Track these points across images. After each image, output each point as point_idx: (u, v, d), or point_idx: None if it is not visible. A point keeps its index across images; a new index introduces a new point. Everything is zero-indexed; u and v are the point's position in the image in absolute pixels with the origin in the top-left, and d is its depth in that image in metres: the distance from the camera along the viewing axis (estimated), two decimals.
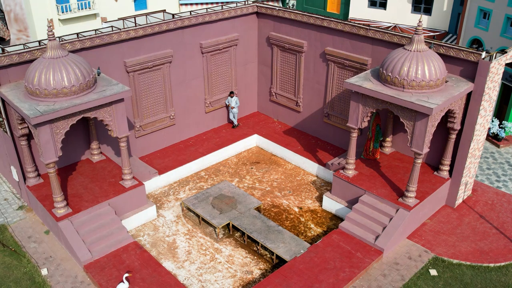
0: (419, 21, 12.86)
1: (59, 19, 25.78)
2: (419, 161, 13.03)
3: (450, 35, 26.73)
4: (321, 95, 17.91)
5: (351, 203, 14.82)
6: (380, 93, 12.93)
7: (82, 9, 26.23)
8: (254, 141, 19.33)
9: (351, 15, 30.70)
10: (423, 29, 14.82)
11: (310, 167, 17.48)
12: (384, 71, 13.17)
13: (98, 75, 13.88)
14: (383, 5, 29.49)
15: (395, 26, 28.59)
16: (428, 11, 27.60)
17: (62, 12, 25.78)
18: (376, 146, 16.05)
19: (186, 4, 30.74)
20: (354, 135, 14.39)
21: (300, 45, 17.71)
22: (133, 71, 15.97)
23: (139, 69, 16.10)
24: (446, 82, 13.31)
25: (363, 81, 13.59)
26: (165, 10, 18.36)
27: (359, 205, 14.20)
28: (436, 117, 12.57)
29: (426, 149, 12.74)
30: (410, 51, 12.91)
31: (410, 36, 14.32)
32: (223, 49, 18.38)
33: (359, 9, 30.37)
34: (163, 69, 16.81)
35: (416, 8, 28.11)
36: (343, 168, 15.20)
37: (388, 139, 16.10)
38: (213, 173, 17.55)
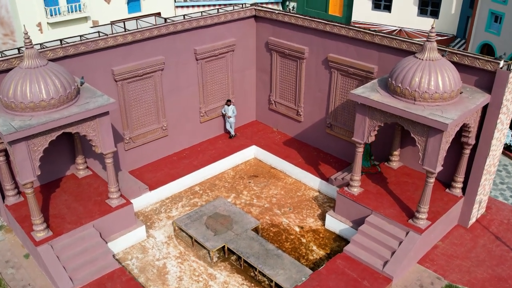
0: (432, 27, 11.75)
1: (48, 23, 24.71)
2: (432, 180, 11.91)
3: (458, 39, 25.60)
4: (324, 104, 16.80)
5: (357, 223, 13.70)
6: (389, 106, 11.82)
7: (72, 12, 25.14)
8: (252, 152, 18.22)
9: (354, 18, 29.60)
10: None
11: (312, 181, 16.37)
12: (393, 82, 12.06)
13: (82, 85, 12.77)
14: (388, 8, 28.39)
15: (400, 30, 27.49)
16: (435, 14, 26.49)
17: (51, 15, 24.70)
18: (365, 164, 15.09)
19: (182, 7, 29.63)
20: (360, 150, 13.27)
21: (301, 51, 16.61)
22: (121, 80, 14.87)
23: (128, 78, 15.00)
24: (460, 93, 12.19)
25: (370, 92, 12.48)
26: (159, 13, 17.31)
27: (366, 227, 13.07)
28: (451, 132, 11.46)
29: (439, 168, 11.63)
30: (422, 59, 11.80)
31: (421, 43, 13.21)
32: (219, 55, 17.28)
33: (362, 12, 29.26)
34: (155, 77, 15.71)
35: (422, 11, 27.01)
36: (348, 184, 14.09)
37: (396, 152, 14.97)
38: (208, 188, 16.44)
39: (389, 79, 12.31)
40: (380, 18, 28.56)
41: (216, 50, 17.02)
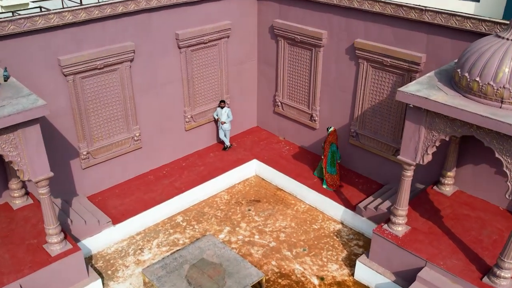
0: None
1: None
2: None
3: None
4: (347, 107, 12.74)
5: (403, 277, 9.66)
6: (463, 111, 7.76)
7: None
8: (252, 169, 14.14)
9: None
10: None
11: (332, 209, 12.31)
12: (466, 74, 8.00)
13: (6, 79, 8.72)
14: None
15: None
16: None
17: None
18: (331, 171, 12.42)
19: None
20: (409, 173, 9.24)
21: (317, 36, 12.55)
22: (73, 74, 10.81)
23: (83, 71, 10.94)
24: None
25: (429, 90, 8.43)
26: None
27: (419, 285, 9.02)
28: None
29: None
30: (510, 40, 7.76)
31: (500, 21, 9.16)
32: (210, 43, 13.21)
33: None
34: (121, 71, 11.64)
35: None
36: (388, 220, 10.03)
37: (450, 173, 10.91)
38: (194, 218, 12.37)
39: (458, 70, 8.26)
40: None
41: (206, 36, 12.95)
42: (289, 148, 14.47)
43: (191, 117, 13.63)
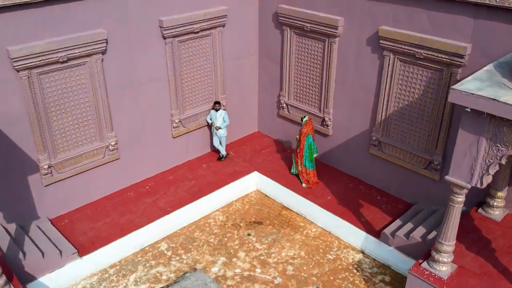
0: None
1: None
2: None
3: None
4: (367, 110, 10.54)
5: None
6: None
7: None
8: (253, 183, 11.92)
9: None
10: None
11: (351, 234, 10.10)
12: None
13: None
14: None
15: None
16: None
17: None
18: (308, 166, 11.01)
19: None
20: (460, 199, 7.05)
21: (331, 24, 10.35)
22: (27, 68, 8.59)
23: (40, 65, 8.72)
24: None
25: (493, 89, 6.22)
26: None
27: None
28: None
29: None
30: None
31: None
32: (201, 32, 11.01)
33: None
34: (91, 65, 9.43)
35: None
36: (429, 257, 7.81)
37: (501, 193, 8.71)
38: (181, 246, 10.15)
39: None
40: None
41: (196, 24, 10.75)
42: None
43: (180, 121, 11.42)
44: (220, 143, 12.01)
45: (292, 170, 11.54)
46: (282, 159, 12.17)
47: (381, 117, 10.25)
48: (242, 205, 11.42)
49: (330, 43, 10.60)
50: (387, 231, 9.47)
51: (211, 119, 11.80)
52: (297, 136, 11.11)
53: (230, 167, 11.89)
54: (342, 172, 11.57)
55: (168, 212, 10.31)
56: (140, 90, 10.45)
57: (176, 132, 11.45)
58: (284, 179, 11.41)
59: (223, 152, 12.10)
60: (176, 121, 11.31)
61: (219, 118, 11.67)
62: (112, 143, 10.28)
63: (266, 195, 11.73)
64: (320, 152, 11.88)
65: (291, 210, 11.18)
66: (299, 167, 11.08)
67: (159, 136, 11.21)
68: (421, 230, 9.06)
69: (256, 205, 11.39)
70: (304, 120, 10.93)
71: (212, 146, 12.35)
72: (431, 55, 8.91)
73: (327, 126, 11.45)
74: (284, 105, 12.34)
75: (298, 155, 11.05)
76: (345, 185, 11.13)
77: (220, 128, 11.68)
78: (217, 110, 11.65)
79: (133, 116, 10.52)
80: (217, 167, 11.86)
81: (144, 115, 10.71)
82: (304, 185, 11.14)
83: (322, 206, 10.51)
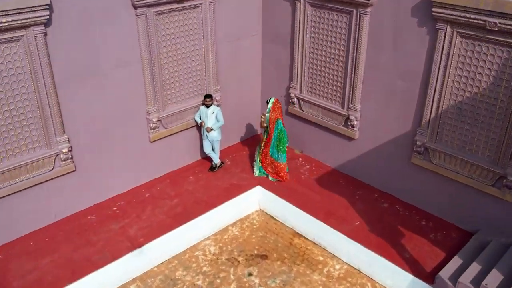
0: None
1: None
2: None
3: None
4: (410, 106, 7.82)
5: None
6: None
7: None
8: (255, 200, 9.18)
9: None
10: None
11: (389, 275, 7.37)
12: None
13: None
14: None
15: None
16: None
17: None
18: (278, 158, 8.91)
19: None
20: None
21: None
22: None
23: None
24: None
25: None
26: None
27: None
28: None
29: None
30: None
31: None
32: (187, 2, 8.29)
33: None
34: (27, 41, 6.71)
35: None
36: None
37: None
38: None
39: None
40: None
41: None
42: (311, 169, 9.53)
43: (159, 121, 8.70)
44: (213, 149, 9.30)
45: (255, 170, 9.24)
46: (293, 170, 9.45)
47: (430, 114, 7.54)
48: (241, 231, 8.69)
49: (359, 16, 7.88)
50: (444, 274, 6.75)
51: (200, 118, 9.10)
52: (265, 124, 8.82)
53: (226, 180, 9.17)
54: (373, 188, 8.85)
55: (140, 244, 7.59)
56: (104, 79, 7.73)
57: (154, 134, 8.72)
58: (295, 195, 8.69)
59: (216, 160, 9.38)
60: (154, 120, 8.57)
61: (211, 116, 8.96)
62: (63, 150, 7.55)
63: (272, 217, 8.99)
64: (343, 160, 9.19)
65: (305, 238, 8.45)
66: (261, 158, 9.07)
67: (131, 140, 8.48)
68: (496, 276, 6.36)
69: (260, 231, 8.66)
70: (270, 103, 8.66)
71: (202, 152, 9.63)
72: (510, 26, 6.21)
73: (353, 127, 8.73)
74: (295, 100, 9.62)
75: (263, 146, 8.99)
76: (377, 205, 8.42)
77: (212, 129, 8.97)
78: (208, 107, 8.94)
79: (94, 114, 7.80)
80: (208, 180, 9.14)
81: (110, 112, 7.99)
82: (271, 178, 9.08)
83: (348, 235, 7.79)
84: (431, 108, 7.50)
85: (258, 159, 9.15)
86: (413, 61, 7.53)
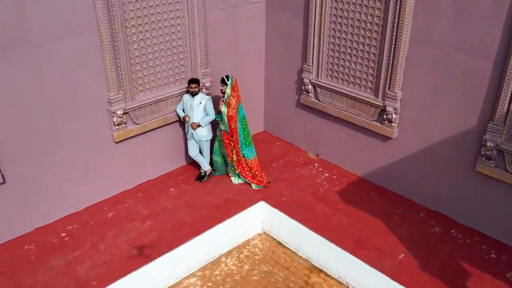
0: None
1: None
2: None
3: None
4: (478, 92, 5.51)
5: None
6: None
7: None
8: (257, 221, 6.84)
9: None
10: None
11: None
12: None
13: None
14: None
15: None
16: None
17: None
18: (248, 154, 6.86)
19: None
20: None
21: None
22: None
23: None
24: None
25: None
26: None
27: None
28: None
29: None
30: None
31: None
32: None
33: None
34: None
35: None
36: None
37: None
38: None
39: None
40: None
41: None
42: (331, 178, 7.23)
43: (126, 114, 6.38)
44: (201, 151, 7.00)
45: (233, 178, 7.10)
46: (306, 180, 7.16)
47: (508, 106, 5.24)
48: (238, 264, 6.37)
49: None
50: None
51: (184, 111, 6.80)
52: (223, 108, 6.63)
53: (218, 193, 6.87)
54: (417, 205, 6.55)
55: None
56: (41, 52, 5.41)
57: (119, 133, 6.40)
58: (311, 215, 6.40)
59: (205, 167, 7.07)
60: (119, 113, 6.25)
61: (198, 108, 6.66)
62: None
63: (280, 244, 6.68)
64: (376, 166, 6.89)
65: (327, 275, 6.14)
66: (238, 156, 6.85)
67: (86, 140, 6.17)
68: None
69: (264, 264, 6.34)
70: (230, 82, 6.60)
71: (187, 156, 7.32)
72: None
73: (390, 122, 6.42)
74: (309, 87, 7.31)
75: (232, 143, 6.81)
76: (426, 230, 6.13)
77: (199, 125, 6.68)
78: (194, 94, 6.64)
79: (26, 102, 5.48)
80: (194, 194, 6.83)
81: (51, 102, 5.68)
82: (255, 186, 6.93)
83: (391, 274, 5.48)
84: (509, 97, 5.20)
85: (233, 164, 6.92)
86: (485, 28, 5.23)
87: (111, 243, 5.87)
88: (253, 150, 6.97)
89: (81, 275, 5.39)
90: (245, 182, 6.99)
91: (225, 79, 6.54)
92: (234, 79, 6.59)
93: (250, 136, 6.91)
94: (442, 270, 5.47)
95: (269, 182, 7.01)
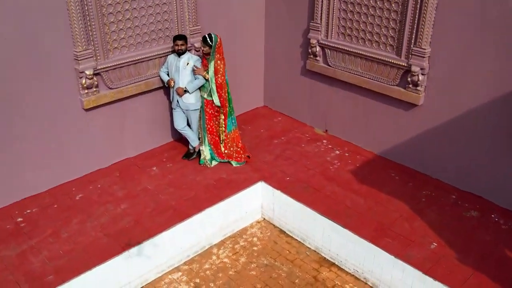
0: None
1: None
2: None
3: None
4: None
5: None
6: None
7: None
8: (256, 205, 5.77)
9: None
10: None
11: None
12: None
13: None
14: None
15: None
16: None
17: None
18: (230, 127, 5.84)
19: None
20: None
21: None
22: None
23: None
24: None
25: None
26: None
27: None
28: None
29: None
30: None
31: None
32: None
33: None
34: None
35: None
36: None
37: None
38: None
39: None
40: None
41: None
42: (343, 155, 6.15)
43: (98, 75, 5.29)
44: (189, 123, 5.92)
45: (204, 157, 5.93)
46: (314, 158, 6.09)
47: None
48: (232, 256, 5.28)
49: None
50: None
51: (168, 74, 5.72)
52: (210, 75, 5.53)
53: (209, 172, 5.79)
54: (447, 186, 5.48)
55: (58, 283, 4.20)
56: None
57: (90, 98, 5.31)
58: (321, 197, 5.32)
59: (194, 142, 5.99)
60: (88, 73, 5.15)
61: (185, 70, 5.57)
62: None
63: (283, 233, 5.59)
64: (396, 141, 5.83)
65: (340, 269, 5.06)
66: (223, 136, 5.84)
67: (49, 107, 5.08)
68: None
69: (264, 257, 5.26)
70: (215, 42, 5.43)
71: (174, 131, 6.24)
72: None
73: (416, 86, 5.34)
74: (317, 49, 6.22)
75: (222, 116, 5.75)
76: (461, 214, 5.06)
77: (186, 91, 5.59)
78: (180, 54, 5.55)
79: None
80: (181, 174, 5.75)
81: (5, 56, 4.59)
82: (235, 163, 5.90)
83: (422, 268, 4.41)
84: None
85: (220, 142, 5.87)
86: None
87: (76, 230, 4.80)
88: (235, 120, 5.90)
89: (35, 267, 4.32)
90: (222, 162, 5.91)
91: (207, 39, 5.42)
92: (219, 39, 5.47)
93: (232, 103, 5.83)
94: (484, 262, 4.41)
95: (249, 157, 5.93)
